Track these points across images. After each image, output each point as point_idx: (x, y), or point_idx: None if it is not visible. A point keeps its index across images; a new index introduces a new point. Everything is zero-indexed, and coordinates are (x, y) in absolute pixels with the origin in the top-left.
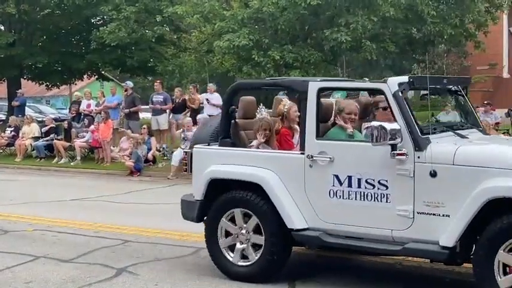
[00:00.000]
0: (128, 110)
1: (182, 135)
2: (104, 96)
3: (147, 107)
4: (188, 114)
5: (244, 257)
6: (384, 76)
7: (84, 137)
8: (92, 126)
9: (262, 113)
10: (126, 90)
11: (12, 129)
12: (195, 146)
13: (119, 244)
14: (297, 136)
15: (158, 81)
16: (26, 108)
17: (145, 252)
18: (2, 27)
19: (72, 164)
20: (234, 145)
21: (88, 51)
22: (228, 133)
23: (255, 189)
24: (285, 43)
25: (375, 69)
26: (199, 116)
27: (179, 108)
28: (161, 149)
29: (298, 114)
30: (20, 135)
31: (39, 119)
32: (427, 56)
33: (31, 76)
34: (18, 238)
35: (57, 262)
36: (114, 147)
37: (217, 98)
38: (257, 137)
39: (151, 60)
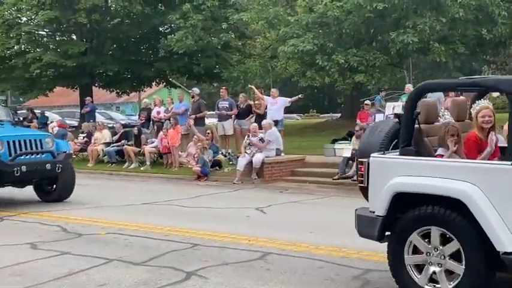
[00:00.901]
0: (194, 115)
1: (247, 141)
2: (172, 103)
3: (213, 112)
4: (253, 119)
5: (432, 280)
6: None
7: (153, 142)
8: (161, 133)
9: (446, 117)
10: (193, 97)
11: (85, 135)
12: (372, 155)
13: (188, 248)
14: (487, 148)
15: (224, 87)
16: (97, 114)
17: (214, 256)
18: (74, 37)
19: (142, 168)
20: (418, 153)
21: (156, 59)
22: (410, 140)
23: (451, 204)
24: (350, 47)
25: (443, 71)
26: (264, 121)
27: (243, 113)
28: (227, 154)
29: (489, 119)
30: (92, 141)
31: (110, 125)
32: (498, 57)
33: (102, 84)
34: (91, 241)
35: (129, 265)
36: (182, 152)
37: (281, 102)
38: (448, 144)
39: (217, 66)
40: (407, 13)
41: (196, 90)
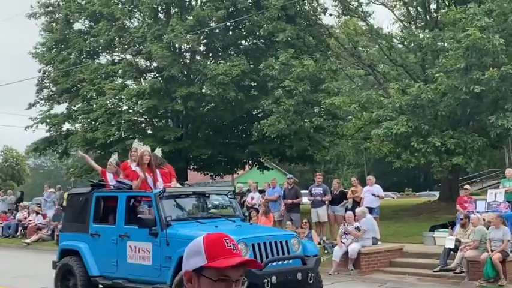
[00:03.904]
0: (290, 201)
1: (343, 229)
2: (269, 187)
3: (305, 191)
4: (346, 206)
5: None
6: None
7: None
8: (254, 218)
9: None
10: (290, 184)
11: None
12: None
13: None
14: None
15: (319, 174)
16: None
17: None
18: (171, 122)
19: None
20: None
21: (249, 142)
22: None
23: None
24: (446, 128)
25: None
26: (358, 209)
27: (337, 199)
28: (322, 242)
29: None
30: None
31: None
32: None
33: (197, 167)
34: None
35: None
36: None
37: (377, 190)
38: None
39: (309, 148)
40: (506, 94)
41: (290, 176)
